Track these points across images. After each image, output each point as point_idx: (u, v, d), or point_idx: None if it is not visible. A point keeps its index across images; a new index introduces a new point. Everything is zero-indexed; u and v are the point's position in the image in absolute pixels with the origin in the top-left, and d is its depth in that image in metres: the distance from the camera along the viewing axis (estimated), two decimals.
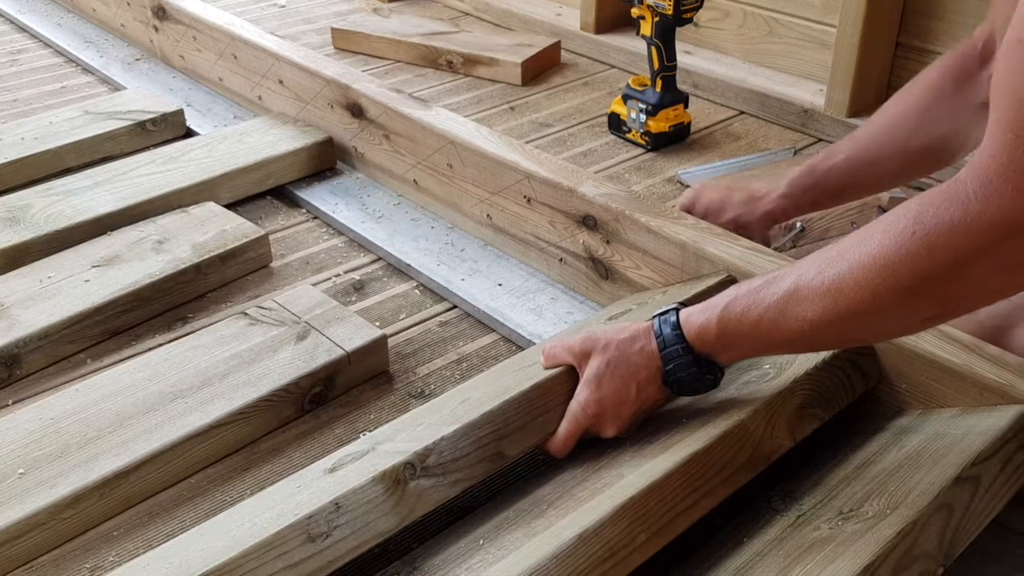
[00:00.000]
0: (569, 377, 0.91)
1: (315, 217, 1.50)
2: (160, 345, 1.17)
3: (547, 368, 0.92)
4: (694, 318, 0.85)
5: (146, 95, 1.78)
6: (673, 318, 0.86)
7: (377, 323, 1.21)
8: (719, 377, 0.87)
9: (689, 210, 1.25)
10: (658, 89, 1.68)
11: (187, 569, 0.73)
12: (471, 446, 0.86)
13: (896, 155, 1.14)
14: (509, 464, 0.93)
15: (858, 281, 0.71)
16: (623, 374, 0.87)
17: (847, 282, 0.72)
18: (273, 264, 1.37)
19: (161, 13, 1.96)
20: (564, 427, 0.90)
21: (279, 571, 0.75)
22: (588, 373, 0.89)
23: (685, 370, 0.85)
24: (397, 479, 0.82)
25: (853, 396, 0.97)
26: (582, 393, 0.89)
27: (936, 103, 1.11)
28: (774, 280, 0.79)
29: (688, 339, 0.85)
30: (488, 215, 1.37)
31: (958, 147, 1.11)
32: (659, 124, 1.69)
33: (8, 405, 1.09)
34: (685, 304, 0.89)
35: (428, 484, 0.84)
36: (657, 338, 0.86)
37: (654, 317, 0.88)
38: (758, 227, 1.23)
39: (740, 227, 1.21)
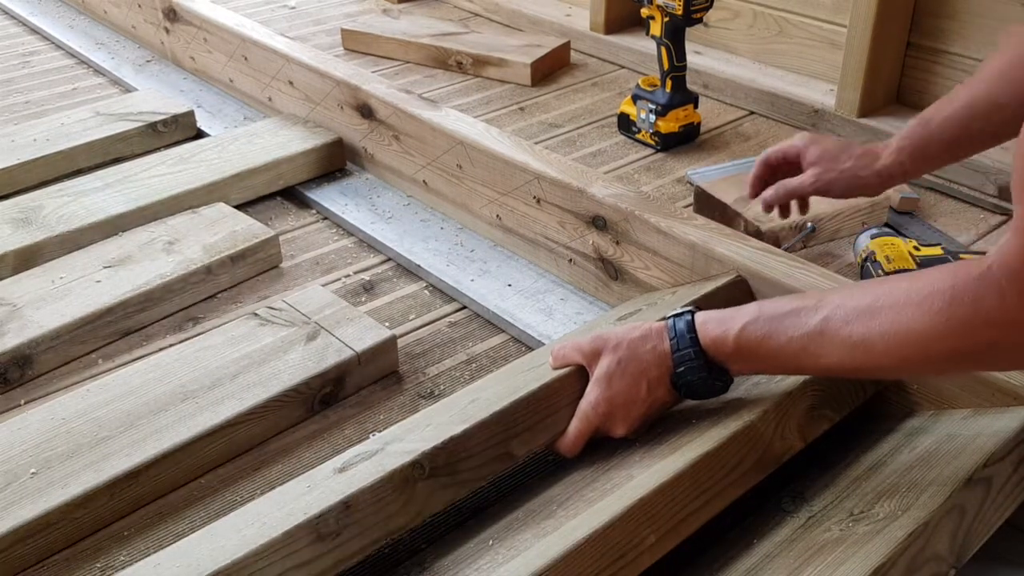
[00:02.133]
0: (578, 377, 0.91)
1: (325, 218, 1.51)
2: (171, 345, 1.17)
3: (556, 368, 0.92)
4: (710, 327, 0.84)
5: (157, 96, 1.79)
6: (689, 319, 0.85)
7: (387, 324, 1.22)
8: (728, 384, 0.87)
9: (796, 156, 1.15)
10: (668, 89, 1.68)
11: (196, 568, 0.74)
12: (480, 446, 0.86)
13: (1018, 97, 1.02)
14: (519, 464, 0.93)
15: (889, 347, 0.73)
16: (634, 372, 0.87)
17: (877, 347, 0.74)
18: (283, 265, 1.37)
19: (172, 15, 1.97)
20: (574, 426, 0.90)
21: (288, 570, 0.75)
22: (599, 372, 0.88)
23: (695, 374, 0.85)
24: (407, 479, 0.82)
25: (864, 397, 0.96)
26: (592, 392, 0.89)
27: None
28: (800, 312, 0.79)
29: (702, 344, 0.84)
30: (498, 216, 1.37)
31: None
32: (669, 124, 1.69)
33: (20, 405, 1.10)
34: (697, 305, 0.89)
35: (437, 484, 0.84)
36: (671, 339, 0.86)
37: (668, 318, 0.87)
38: (874, 184, 1.11)
39: (854, 181, 1.11)
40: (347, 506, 0.79)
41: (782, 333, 0.79)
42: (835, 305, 0.77)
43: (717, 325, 0.84)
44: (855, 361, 0.76)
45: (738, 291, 1.06)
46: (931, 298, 0.70)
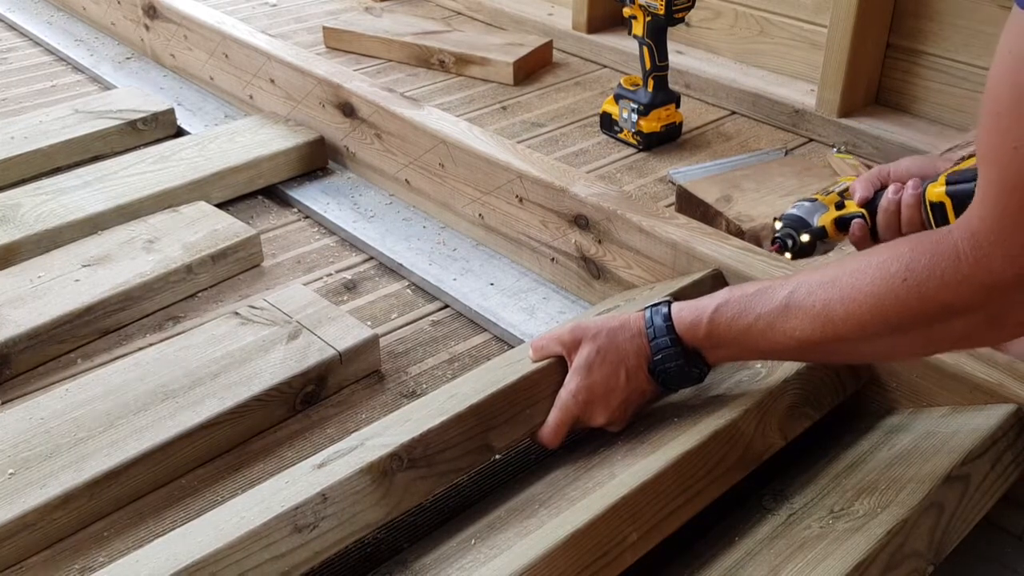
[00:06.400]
0: (557, 369, 0.92)
1: (306, 216, 1.50)
2: (151, 345, 1.16)
3: (536, 361, 0.92)
4: (685, 314, 0.86)
5: (137, 94, 1.78)
6: (665, 310, 0.87)
7: (369, 323, 1.21)
8: (704, 372, 0.88)
9: (884, 179, 1.02)
10: (650, 89, 1.69)
11: (175, 561, 0.73)
12: (458, 438, 0.86)
13: None
14: (501, 463, 0.93)
15: (849, 312, 0.74)
16: (613, 361, 0.87)
17: (837, 311, 0.74)
18: (264, 264, 1.37)
19: (152, 12, 1.95)
20: (554, 415, 0.90)
21: (265, 562, 0.75)
22: (578, 361, 0.89)
23: (672, 361, 0.86)
24: (384, 471, 0.82)
25: (844, 395, 0.97)
26: (572, 381, 0.89)
27: None
28: (767, 290, 0.80)
29: (677, 332, 0.85)
30: (480, 215, 1.37)
31: None
32: (651, 124, 1.70)
33: None
34: (675, 297, 0.90)
35: (415, 475, 0.84)
36: (648, 328, 0.87)
37: (646, 308, 0.89)
38: None
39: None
40: (324, 498, 0.79)
41: (751, 311, 0.81)
42: (801, 281, 0.78)
43: (691, 312, 0.85)
44: (816, 332, 0.76)
45: (716, 285, 1.07)
46: (889, 262, 0.71)
